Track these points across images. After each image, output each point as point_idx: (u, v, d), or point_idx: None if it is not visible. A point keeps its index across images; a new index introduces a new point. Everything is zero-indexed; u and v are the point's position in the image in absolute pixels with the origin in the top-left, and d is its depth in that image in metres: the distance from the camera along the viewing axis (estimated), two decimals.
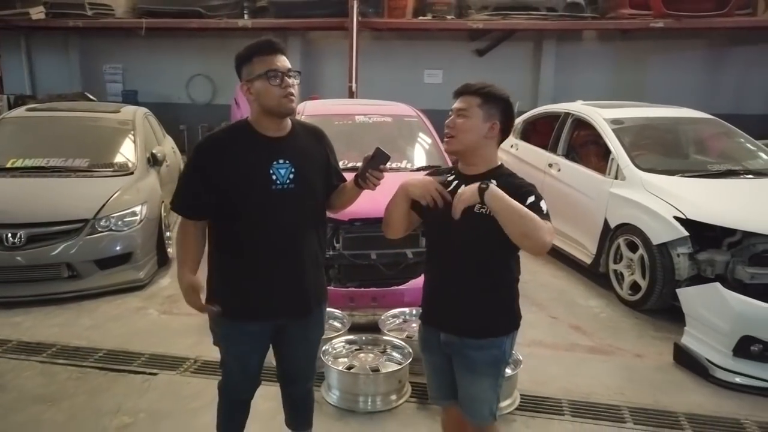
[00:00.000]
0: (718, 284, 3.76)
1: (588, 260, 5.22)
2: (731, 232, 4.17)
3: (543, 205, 2.01)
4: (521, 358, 3.37)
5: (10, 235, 4.57)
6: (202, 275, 2.31)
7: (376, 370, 3.38)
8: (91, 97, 9.67)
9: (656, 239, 4.36)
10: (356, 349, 3.59)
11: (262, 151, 2.20)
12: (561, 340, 4.17)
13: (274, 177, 2.18)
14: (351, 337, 3.67)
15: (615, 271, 4.87)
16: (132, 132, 5.95)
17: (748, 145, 5.60)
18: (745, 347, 3.53)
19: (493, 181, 1.99)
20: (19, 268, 4.62)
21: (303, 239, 2.27)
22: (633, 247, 4.63)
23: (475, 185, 1.98)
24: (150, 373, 3.57)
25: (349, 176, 2.39)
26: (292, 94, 2.17)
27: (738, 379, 3.52)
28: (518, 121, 6.60)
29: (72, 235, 4.71)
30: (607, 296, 4.93)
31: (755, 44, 9.85)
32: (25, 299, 4.58)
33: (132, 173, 5.43)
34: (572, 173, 5.64)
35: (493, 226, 1.96)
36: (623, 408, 3.30)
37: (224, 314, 2.27)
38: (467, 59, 10.38)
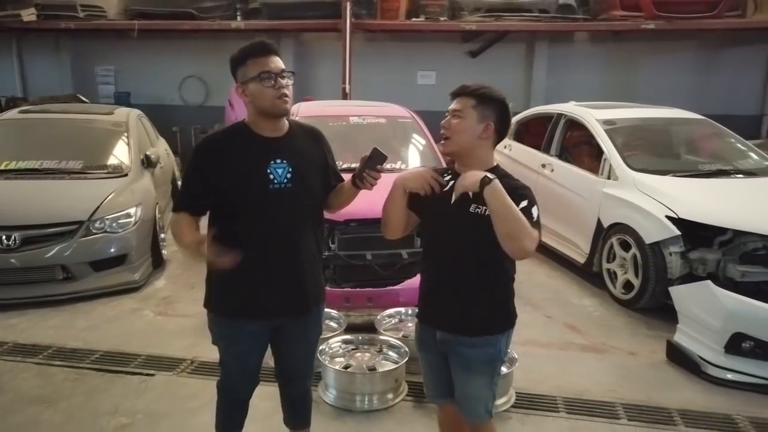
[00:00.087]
0: (709, 282, 3.82)
1: (581, 260, 5.26)
2: (722, 231, 4.21)
3: (534, 211, 2.03)
4: (516, 357, 3.40)
5: (4, 237, 4.56)
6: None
7: (372, 369, 3.40)
8: (83, 99, 9.63)
9: (649, 238, 4.40)
10: (353, 349, 3.61)
11: (260, 151, 2.22)
12: (556, 339, 4.21)
13: (271, 176, 2.20)
14: (347, 336, 3.69)
15: (608, 270, 4.91)
16: (126, 134, 5.94)
17: (739, 145, 5.66)
18: (736, 344, 3.57)
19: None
20: (14, 270, 4.61)
21: (301, 239, 2.29)
22: (626, 247, 4.67)
23: (480, 174, 1.99)
24: (147, 374, 3.57)
25: (345, 177, 2.41)
26: (285, 95, 2.18)
27: (730, 376, 3.56)
28: (511, 122, 6.63)
29: (66, 237, 4.70)
30: (601, 295, 4.97)
31: (745, 46, 9.94)
32: (20, 301, 4.57)
33: (126, 175, 5.43)
34: (565, 173, 5.68)
35: (488, 226, 1.98)
36: (617, 405, 3.34)
37: (223, 309, 2.30)
38: (460, 61, 10.41)
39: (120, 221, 4.92)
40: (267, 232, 2.23)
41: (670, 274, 4.29)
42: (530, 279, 5.29)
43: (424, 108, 6.41)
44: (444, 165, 3.82)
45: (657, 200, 4.52)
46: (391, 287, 4.14)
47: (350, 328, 3.82)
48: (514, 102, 2.19)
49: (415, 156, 5.24)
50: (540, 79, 10.37)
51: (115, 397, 3.34)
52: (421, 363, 2.37)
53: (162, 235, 5.64)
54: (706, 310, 3.71)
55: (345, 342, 3.66)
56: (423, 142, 5.31)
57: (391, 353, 3.55)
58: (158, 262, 5.46)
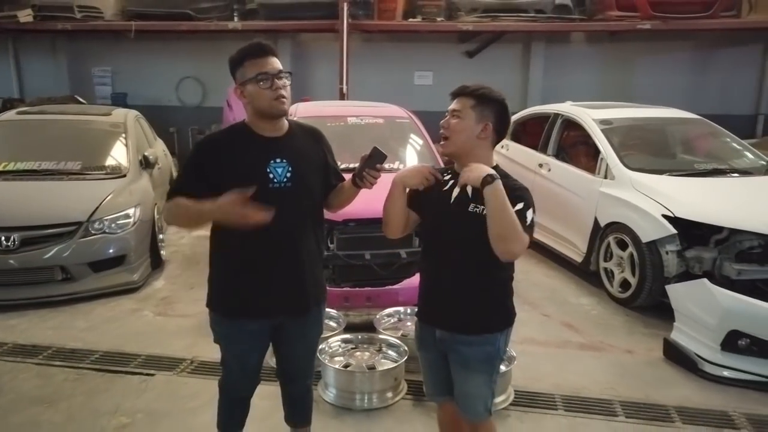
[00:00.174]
0: (706, 280, 3.84)
1: (579, 259, 5.29)
2: (718, 229, 4.25)
3: (529, 214, 2.04)
4: (515, 355, 3.43)
5: (3, 238, 4.57)
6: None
7: (372, 368, 3.42)
8: (81, 100, 9.62)
9: (645, 237, 4.43)
10: (352, 348, 3.63)
11: (260, 151, 2.24)
12: (553, 338, 4.23)
13: (271, 176, 2.22)
14: (347, 336, 3.71)
15: (605, 269, 4.94)
16: (124, 135, 5.95)
17: (734, 144, 5.70)
18: (732, 342, 3.60)
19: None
20: (13, 271, 4.62)
21: (301, 238, 2.31)
22: (623, 245, 4.70)
23: (485, 171, 2.01)
24: (147, 374, 3.59)
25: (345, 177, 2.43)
26: (283, 96, 2.19)
27: (726, 373, 3.59)
28: (510, 122, 6.65)
29: (65, 237, 4.71)
30: (598, 294, 5.00)
31: (740, 46, 9.98)
32: (20, 302, 4.58)
33: (124, 176, 5.44)
34: (562, 173, 5.71)
35: (486, 226, 2.00)
36: (615, 402, 3.36)
37: (224, 308, 2.32)
38: (457, 61, 10.43)
39: (119, 222, 4.94)
40: (267, 232, 2.22)
41: (666, 272, 4.32)
42: (528, 278, 5.31)
43: (421, 108, 6.43)
44: (442, 165, 3.85)
45: (653, 199, 4.54)
46: (390, 287, 4.16)
47: (349, 328, 3.83)
48: (511, 102, 2.21)
49: (412, 156, 5.26)
50: (537, 79, 10.39)
51: (115, 396, 3.35)
52: (421, 362, 2.39)
53: (161, 236, 5.65)
54: (703, 308, 3.73)
55: (344, 341, 3.67)
56: (420, 142, 5.33)
57: (390, 352, 3.57)
58: (157, 263, 5.47)
